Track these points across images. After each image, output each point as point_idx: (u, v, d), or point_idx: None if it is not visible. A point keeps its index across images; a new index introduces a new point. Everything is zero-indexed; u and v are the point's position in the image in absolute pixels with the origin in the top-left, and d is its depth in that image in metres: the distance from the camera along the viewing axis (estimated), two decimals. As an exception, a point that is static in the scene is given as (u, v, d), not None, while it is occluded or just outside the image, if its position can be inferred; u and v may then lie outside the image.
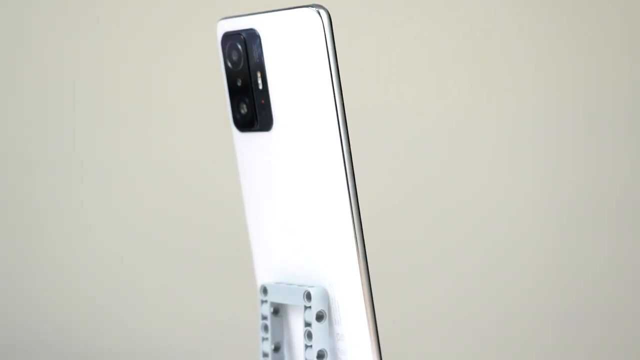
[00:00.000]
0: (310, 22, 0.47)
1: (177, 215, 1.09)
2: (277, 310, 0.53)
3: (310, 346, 0.50)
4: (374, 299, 0.48)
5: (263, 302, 0.53)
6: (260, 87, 0.51)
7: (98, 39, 1.08)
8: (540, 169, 1.11)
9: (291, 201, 0.52)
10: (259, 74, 0.51)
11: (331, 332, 0.50)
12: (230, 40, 0.52)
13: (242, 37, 0.51)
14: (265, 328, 0.53)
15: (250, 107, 0.52)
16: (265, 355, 0.53)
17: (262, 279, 0.54)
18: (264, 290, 0.53)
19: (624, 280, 1.11)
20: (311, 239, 0.51)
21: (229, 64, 0.52)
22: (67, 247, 1.09)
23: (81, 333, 1.09)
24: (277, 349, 0.53)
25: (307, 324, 0.50)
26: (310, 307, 0.50)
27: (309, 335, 0.50)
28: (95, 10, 1.08)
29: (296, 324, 0.53)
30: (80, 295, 1.09)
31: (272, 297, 0.53)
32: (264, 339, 0.53)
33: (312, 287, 0.50)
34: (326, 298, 0.50)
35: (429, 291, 1.10)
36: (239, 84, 0.52)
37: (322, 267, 0.51)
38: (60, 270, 1.09)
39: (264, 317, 0.53)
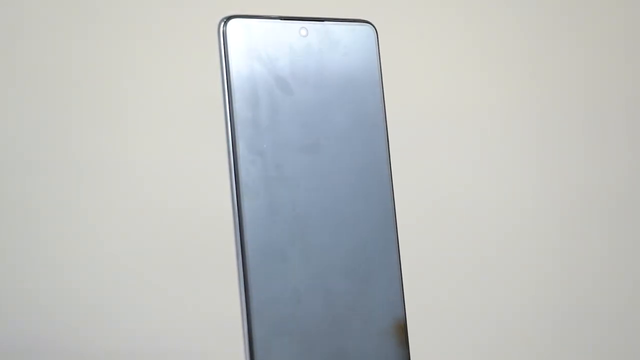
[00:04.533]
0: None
1: (177, 215, 1.09)
2: None
3: None
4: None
5: None
6: None
7: (97, 40, 1.08)
8: (540, 169, 1.11)
9: None
10: None
11: None
12: None
13: None
14: None
15: None
16: None
17: None
18: None
19: (624, 280, 1.10)
20: None
21: None
22: (67, 247, 1.09)
23: (81, 333, 1.09)
24: None
25: None
26: None
27: None
28: (95, 11, 1.08)
29: None
30: (80, 295, 1.09)
31: None
32: None
33: None
34: None
35: (429, 291, 1.10)
36: None
37: None
38: (60, 270, 1.09)
39: None
